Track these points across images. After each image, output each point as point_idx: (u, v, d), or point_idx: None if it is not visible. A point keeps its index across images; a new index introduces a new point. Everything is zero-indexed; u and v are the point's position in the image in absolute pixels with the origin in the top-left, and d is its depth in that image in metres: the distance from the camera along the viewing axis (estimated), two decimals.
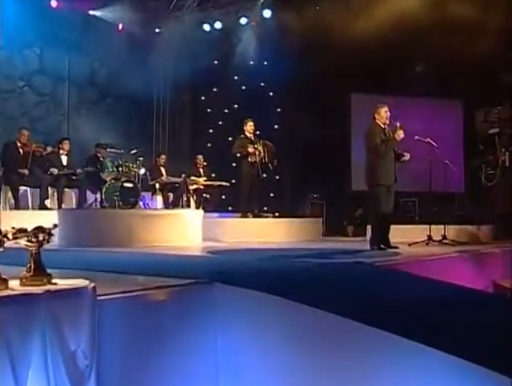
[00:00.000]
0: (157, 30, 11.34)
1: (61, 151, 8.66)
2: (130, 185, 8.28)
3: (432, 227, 7.25)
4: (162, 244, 6.57)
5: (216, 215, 9.13)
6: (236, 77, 11.59)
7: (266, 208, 10.09)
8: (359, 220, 10.39)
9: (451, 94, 10.78)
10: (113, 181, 8.31)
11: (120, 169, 8.49)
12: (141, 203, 8.54)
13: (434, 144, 7.17)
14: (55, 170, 8.37)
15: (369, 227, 6.90)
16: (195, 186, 9.68)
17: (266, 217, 8.97)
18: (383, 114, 6.44)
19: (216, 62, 11.46)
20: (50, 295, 2.20)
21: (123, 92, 10.13)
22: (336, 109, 10.81)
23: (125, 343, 2.63)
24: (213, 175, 10.33)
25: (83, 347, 2.25)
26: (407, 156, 6.61)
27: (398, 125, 6.41)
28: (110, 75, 10.53)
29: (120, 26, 10.75)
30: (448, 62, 9.29)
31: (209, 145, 11.44)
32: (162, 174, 9.67)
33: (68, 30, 10.05)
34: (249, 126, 8.74)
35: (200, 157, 10.13)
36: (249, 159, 8.57)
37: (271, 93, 11.57)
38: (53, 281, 2.35)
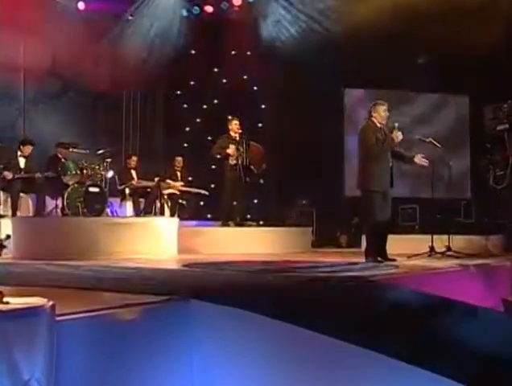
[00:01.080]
0: (129, 17, 11.30)
1: (19, 153, 8.54)
2: (95, 190, 8.23)
3: (435, 237, 7.31)
4: (132, 257, 6.55)
5: (193, 223, 9.16)
6: (216, 69, 11.61)
7: (249, 216, 10.14)
8: (354, 229, 10.46)
9: (456, 88, 10.92)
10: (76, 185, 8.25)
11: (84, 171, 8.44)
12: (108, 211, 8.50)
13: (437, 144, 7.22)
14: (9, 174, 8.21)
15: (364, 238, 6.95)
16: (170, 191, 9.67)
17: (250, 226, 9.02)
18: (382, 113, 6.50)
19: (193, 51, 11.47)
20: (0, 316, 2.15)
21: (88, 85, 10.07)
22: (328, 106, 10.87)
23: (88, 370, 2.60)
24: (190, 179, 10.35)
25: (38, 376, 2.19)
26: (424, 162, 6.64)
27: (396, 125, 6.47)
28: (73, 65, 10.45)
29: (81, 6, 10.63)
30: (453, 53, 9.39)
31: (186, 145, 11.44)
32: (132, 178, 9.65)
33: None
34: (235, 125, 8.81)
35: (180, 159, 10.14)
36: (230, 161, 8.60)
37: (255, 87, 11.61)
38: (5, 299, 2.30)
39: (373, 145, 6.35)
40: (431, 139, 7.17)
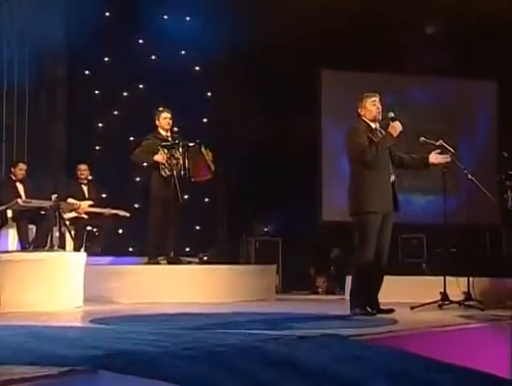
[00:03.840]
0: None
1: None
2: None
3: (449, 279, 7.40)
4: (17, 310, 6.49)
5: (107, 260, 9.17)
6: (141, 40, 11.65)
7: (188, 249, 10.22)
8: (334, 267, 10.59)
9: (478, 71, 11.31)
10: None
11: None
12: None
13: (450, 148, 7.23)
14: None
15: (349, 280, 7.01)
16: (73, 215, 9.59)
17: (189, 264, 9.05)
18: (370, 107, 6.62)
19: (108, 14, 11.47)
20: None
21: None
22: (300, 94, 11.09)
23: None
24: (104, 196, 10.33)
25: None
26: (444, 158, 6.77)
27: (392, 115, 6.60)
28: None
29: None
30: (473, 25, 9.67)
31: (97, 148, 11.39)
32: (19, 195, 9.54)
33: None
34: (164, 119, 8.83)
35: (84, 167, 10.05)
36: (161, 172, 8.63)
37: (197, 68, 11.72)
38: None
39: (366, 150, 6.48)
40: (441, 142, 7.20)
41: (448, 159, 6.84)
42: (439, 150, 6.84)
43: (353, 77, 11.45)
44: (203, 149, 8.94)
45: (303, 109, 11.28)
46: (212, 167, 8.96)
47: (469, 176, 7.55)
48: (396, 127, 6.51)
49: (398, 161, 6.76)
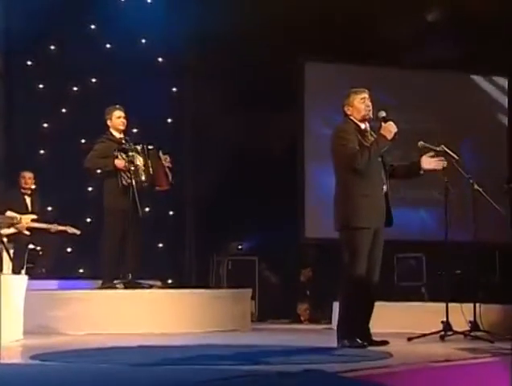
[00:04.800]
0: None
1: None
2: None
3: (452, 306, 7.37)
4: None
5: (53, 284, 9.12)
6: (93, 26, 11.59)
7: (149, 271, 10.02)
8: (310, 291, 10.60)
9: (487, 65, 11.49)
10: None
11: None
12: None
13: (453, 154, 7.30)
14: None
15: (336, 306, 7.00)
16: (13, 231, 9.51)
17: (150, 288, 8.99)
18: (359, 105, 6.63)
19: None
20: None
21: None
22: (280, 90, 11.08)
23: None
24: (50, 209, 10.29)
25: None
26: (438, 163, 6.78)
27: (383, 115, 6.61)
28: None
29: None
30: (480, 12, 9.74)
31: (42, 152, 11.30)
32: None
33: None
34: (117, 118, 8.83)
35: (29, 175, 9.99)
36: (121, 180, 8.59)
37: (160, 59, 11.68)
38: None
39: (357, 155, 6.47)
40: (443, 147, 7.25)
41: (445, 164, 6.84)
42: (432, 153, 6.85)
43: (340, 71, 11.53)
44: (160, 154, 8.96)
45: (283, 108, 11.28)
46: (170, 176, 8.95)
47: (475, 186, 7.61)
48: (390, 128, 6.51)
49: (389, 170, 6.78)
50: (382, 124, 6.56)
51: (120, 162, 8.59)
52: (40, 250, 9.67)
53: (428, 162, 6.76)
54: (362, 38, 10.78)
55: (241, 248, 11.46)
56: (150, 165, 8.79)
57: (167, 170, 8.93)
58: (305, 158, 11.55)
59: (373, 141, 6.55)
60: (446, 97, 11.89)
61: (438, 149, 7.21)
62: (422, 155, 6.84)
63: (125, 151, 8.68)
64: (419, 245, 10.64)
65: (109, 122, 8.87)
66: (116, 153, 8.63)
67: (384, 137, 6.50)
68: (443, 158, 6.83)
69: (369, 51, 10.82)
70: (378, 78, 11.18)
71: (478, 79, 12.07)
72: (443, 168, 6.89)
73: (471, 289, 7.88)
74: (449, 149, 7.22)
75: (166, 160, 8.93)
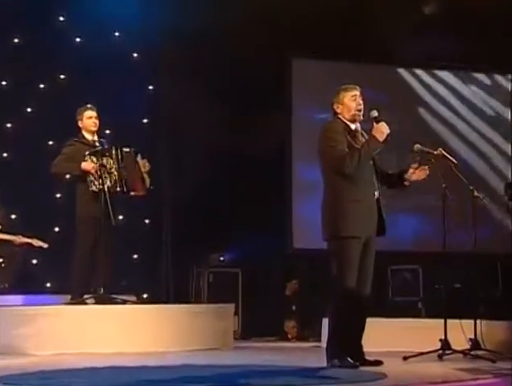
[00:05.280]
0: None
1: None
2: None
3: (451, 322, 7.36)
4: None
5: (18, 299, 9.04)
6: (62, 18, 11.52)
7: (124, 284, 10.16)
8: (294, 303, 10.58)
9: (489, 62, 11.53)
10: None
11: None
12: None
13: (451, 158, 7.35)
14: None
15: (326, 323, 6.94)
16: None
17: (124, 303, 8.90)
18: (349, 103, 6.62)
19: None
20: None
21: None
22: (265, 88, 11.10)
23: None
24: (14, 218, 10.27)
25: None
26: (425, 170, 6.77)
27: (375, 115, 6.58)
28: None
29: None
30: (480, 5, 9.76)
31: (5, 154, 11.22)
32: None
33: None
34: (89, 119, 8.78)
35: None
36: (90, 186, 8.55)
37: (135, 54, 11.64)
38: None
39: (346, 158, 6.45)
40: (441, 150, 7.28)
41: (427, 172, 6.80)
42: (416, 165, 6.79)
43: (330, 68, 11.52)
44: (139, 158, 8.90)
45: (269, 107, 11.26)
46: (148, 182, 8.91)
47: (475, 193, 7.64)
48: (382, 129, 6.48)
49: (381, 175, 6.78)
50: (374, 124, 6.54)
51: (87, 165, 8.51)
52: (3, 262, 9.62)
53: (414, 175, 6.73)
54: (353, 33, 10.79)
55: (223, 260, 11.43)
56: (123, 168, 8.71)
57: (145, 175, 8.88)
58: (293, 161, 11.53)
59: (363, 143, 6.55)
60: (444, 96, 11.87)
61: (436, 152, 7.25)
62: (417, 161, 6.83)
63: (97, 154, 8.61)
64: (415, 256, 10.65)
65: (80, 123, 8.81)
66: (87, 157, 8.56)
67: (375, 138, 6.48)
68: (426, 168, 6.78)
69: (360, 47, 10.82)
70: (371, 74, 11.22)
71: (479, 76, 12.05)
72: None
73: (471, 304, 7.89)
74: (447, 152, 7.24)
75: (144, 165, 8.89)
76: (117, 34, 11.59)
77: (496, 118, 12.20)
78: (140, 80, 11.51)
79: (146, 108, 11.51)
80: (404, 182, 6.78)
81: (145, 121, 11.50)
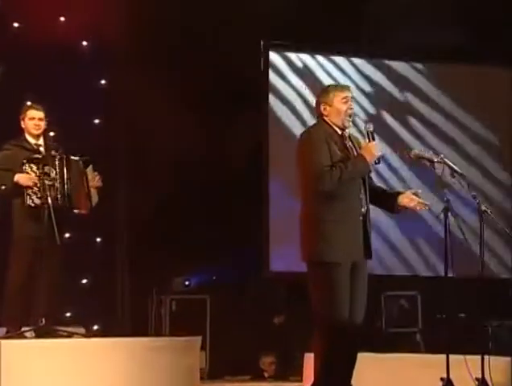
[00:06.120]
0: None
1: None
2: None
3: (454, 358, 7.28)
4: None
5: None
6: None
7: (69, 315, 10.13)
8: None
9: (489, 54, 11.66)
10: None
11: None
12: None
13: (453, 166, 7.31)
14: None
15: (309, 359, 6.95)
16: None
17: (70, 337, 8.84)
18: (339, 105, 6.60)
19: None
20: None
21: None
22: (238, 85, 11.18)
23: None
24: None
25: None
26: (419, 204, 6.74)
27: (371, 129, 6.60)
28: None
29: None
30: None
31: None
32: None
33: None
34: (30, 121, 8.73)
35: None
36: (27, 200, 8.47)
37: (85, 42, 11.54)
38: None
39: (325, 175, 6.41)
40: (442, 157, 7.28)
41: (426, 207, 6.81)
42: (419, 191, 6.83)
43: (314, 63, 11.54)
44: (89, 169, 8.82)
45: (242, 108, 11.32)
46: (94, 200, 8.86)
47: (482, 207, 7.57)
48: (372, 149, 6.51)
49: (372, 190, 6.80)
50: (366, 140, 6.59)
51: (23, 178, 8.42)
52: None
53: (409, 200, 6.71)
54: (339, 23, 10.83)
55: (188, 285, 11.38)
56: (68, 180, 8.62)
57: (93, 190, 8.83)
58: (270, 169, 11.51)
59: (349, 161, 6.49)
60: (442, 93, 11.99)
61: (436, 159, 7.23)
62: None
63: (37, 162, 8.52)
64: (413, 282, 10.68)
65: (22, 124, 8.77)
66: (25, 166, 8.48)
67: (363, 158, 6.49)
68: (426, 204, 6.76)
69: (349, 39, 10.92)
70: (360, 69, 11.41)
71: (480, 69, 12.15)
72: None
73: (478, 336, 7.84)
74: (450, 160, 7.26)
75: (95, 179, 8.84)
76: (62, 19, 11.43)
77: None
78: (90, 73, 11.39)
79: (97, 107, 11.39)
80: (394, 207, 6.79)
81: (96, 121, 11.38)
